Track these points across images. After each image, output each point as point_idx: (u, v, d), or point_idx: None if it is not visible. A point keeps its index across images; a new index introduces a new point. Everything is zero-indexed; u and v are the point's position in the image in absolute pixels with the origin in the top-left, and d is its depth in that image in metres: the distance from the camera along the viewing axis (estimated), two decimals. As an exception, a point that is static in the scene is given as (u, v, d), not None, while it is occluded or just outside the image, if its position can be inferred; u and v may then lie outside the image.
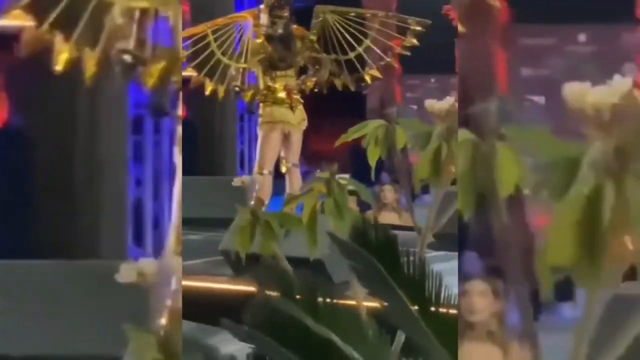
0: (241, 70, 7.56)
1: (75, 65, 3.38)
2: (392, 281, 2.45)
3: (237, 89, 7.61)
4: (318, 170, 10.06)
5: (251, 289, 5.48)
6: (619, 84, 1.45)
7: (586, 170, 1.41)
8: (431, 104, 3.28)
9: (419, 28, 7.83)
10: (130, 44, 3.38)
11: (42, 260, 4.71)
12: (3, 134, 6.40)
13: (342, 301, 2.53)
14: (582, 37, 7.86)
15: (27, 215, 6.20)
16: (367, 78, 8.07)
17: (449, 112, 3.23)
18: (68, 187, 6.53)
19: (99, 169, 6.62)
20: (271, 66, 7.69)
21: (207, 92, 7.57)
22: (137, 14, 3.46)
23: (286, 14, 7.80)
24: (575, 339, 1.54)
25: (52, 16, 3.21)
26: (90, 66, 3.40)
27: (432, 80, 14.97)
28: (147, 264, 3.32)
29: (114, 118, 6.86)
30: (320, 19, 7.81)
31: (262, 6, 7.93)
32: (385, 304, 2.44)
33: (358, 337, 2.38)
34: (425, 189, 10.91)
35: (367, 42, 7.94)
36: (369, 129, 3.42)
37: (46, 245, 6.19)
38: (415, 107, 14.60)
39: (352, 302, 2.70)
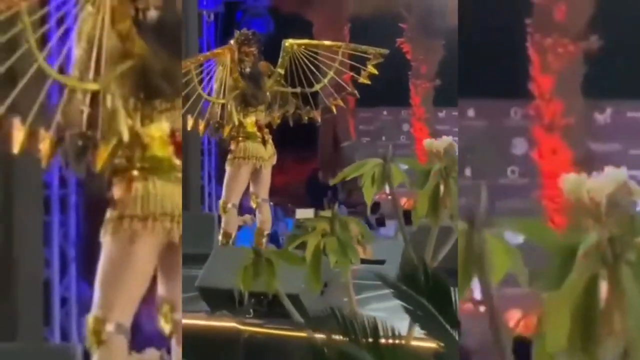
0: (220, 106, 7.68)
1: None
2: (445, 322, 2.57)
3: (216, 125, 7.73)
4: (271, 203, 10.01)
5: (230, 324, 5.72)
6: (614, 175, 1.49)
7: (581, 260, 1.44)
8: (429, 142, 3.42)
9: (378, 57, 7.97)
10: (82, 126, 3.46)
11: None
12: None
13: (401, 342, 2.58)
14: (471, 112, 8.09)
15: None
16: (333, 108, 8.21)
17: (446, 150, 3.37)
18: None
19: (15, 251, 6.73)
20: (244, 102, 7.77)
21: (189, 128, 7.60)
22: (87, 97, 3.53)
23: (255, 50, 7.89)
24: None
25: (9, 100, 3.19)
26: (45, 148, 3.49)
27: (385, 112, 15.15)
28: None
29: (29, 198, 6.92)
30: (289, 53, 7.90)
31: (231, 42, 8.00)
32: (441, 344, 2.54)
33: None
34: (381, 222, 11.15)
35: (331, 73, 8.05)
36: (366, 168, 3.45)
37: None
38: (367, 139, 14.83)
39: (411, 343, 2.78)
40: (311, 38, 14.57)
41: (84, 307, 7.43)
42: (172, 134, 3.63)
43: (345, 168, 3.60)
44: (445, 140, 3.46)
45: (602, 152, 8.31)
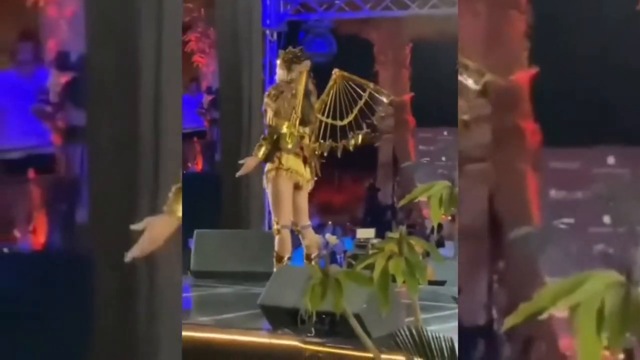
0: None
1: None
2: None
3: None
4: (330, 223, 10.24)
5: (292, 343, 5.75)
6: None
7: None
8: None
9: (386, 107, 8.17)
10: None
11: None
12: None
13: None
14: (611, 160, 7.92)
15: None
16: (355, 141, 8.21)
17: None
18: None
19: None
20: (302, 122, 7.82)
21: (260, 156, 7.75)
22: None
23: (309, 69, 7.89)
24: None
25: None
26: None
27: (445, 132, 14.94)
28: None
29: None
30: (336, 82, 7.99)
31: (278, 60, 8.11)
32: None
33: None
34: (440, 243, 11.17)
35: (355, 111, 8.12)
36: (434, 191, 3.54)
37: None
38: (427, 159, 14.78)
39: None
40: (372, 58, 14.70)
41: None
42: None
43: (414, 189, 3.67)
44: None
45: None
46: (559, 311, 1.63)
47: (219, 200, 11.18)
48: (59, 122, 6.01)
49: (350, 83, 8.15)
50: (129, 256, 3.50)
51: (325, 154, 8.19)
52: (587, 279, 1.61)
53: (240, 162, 7.87)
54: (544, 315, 1.66)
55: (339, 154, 8.17)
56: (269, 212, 12.88)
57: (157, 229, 3.51)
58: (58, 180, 5.97)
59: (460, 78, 4.51)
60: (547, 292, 1.68)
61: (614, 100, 4.96)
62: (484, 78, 4.61)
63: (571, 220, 6.08)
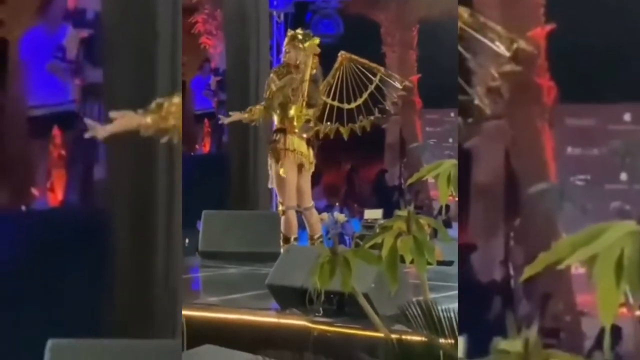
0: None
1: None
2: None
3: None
4: (337, 204, 10.31)
5: (300, 323, 5.78)
6: None
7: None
8: None
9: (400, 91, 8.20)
10: None
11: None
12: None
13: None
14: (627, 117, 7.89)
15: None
16: (365, 125, 8.21)
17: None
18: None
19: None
20: (307, 104, 7.84)
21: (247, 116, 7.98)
22: None
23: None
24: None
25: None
26: None
27: (452, 114, 14.89)
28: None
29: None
30: (341, 64, 7.99)
31: (285, 41, 8.20)
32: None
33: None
34: (448, 223, 11.14)
35: (365, 95, 8.13)
36: (442, 169, 3.49)
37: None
38: (434, 141, 14.76)
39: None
40: (379, 40, 14.66)
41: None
42: None
43: (421, 168, 3.62)
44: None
45: None
46: (577, 263, 1.62)
47: (227, 182, 11.18)
48: (77, 80, 6.04)
49: (358, 66, 8.15)
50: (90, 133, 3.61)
51: (332, 137, 8.22)
52: (605, 230, 1.60)
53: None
54: (562, 266, 1.65)
55: (345, 137, 8.19)
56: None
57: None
58: (77, 138, 6.02)
59: (489, 44, 4.50)
60: (565, 243, 1.66)
61: (631, 56, 4.93)
62: (515, 44, 4.61)
63: (587, 177, 6.09)
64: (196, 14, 14.43)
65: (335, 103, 8.18)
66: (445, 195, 3.51)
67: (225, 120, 8.18)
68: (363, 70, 8.17)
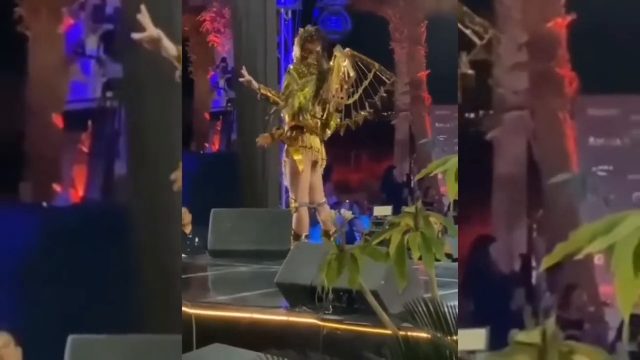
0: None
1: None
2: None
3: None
4: (347, 201, 10.28)
5: (309, 320, 5.76)
6: None
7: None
8: None
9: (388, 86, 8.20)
10: None
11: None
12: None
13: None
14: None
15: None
16: (358, 120, 8.17)
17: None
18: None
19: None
20: (320, 100, 7.83)
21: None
22: None
23: (318, 47, 7.98)
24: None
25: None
26: None
27: (462, 110, 15.04)
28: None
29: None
30: (343, 62, 7.98)
31: (296, 39, 8.18)
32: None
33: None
34: (457, 220, 11.08)
35: (360, 91, 8.10)
36: (450, 165, 3.47)
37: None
38: (444, 137, 14.73)
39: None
40: (387, 36, 14.63)
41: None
42: None
43: (430, 164, 3.61)
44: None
45: None
46: (596, 252, 1.59)
47: (236, 180, 11.16)
48: (98, 76, 6.05)
49: (358, 62, 8.14)
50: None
51: (342, 133, 8.21)
52: (624, 219, 1.56)
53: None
54: (580, 255, 1.61)
55: (342, 133, 8.19)
56: (286, 191, 12.97)
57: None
58: (99, 133, 6.02)
59: (466, 32, 4.50)
60: (584, 232, 1.62)
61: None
62: (488, 34, 4.59)
63: (610, 167, 6.06)
64: (204, 12, 14.41)
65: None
66: (453, 190, 3.47)
67: (245, 79, 8.15)
68: (360, 65, 8.16)
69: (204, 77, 14.93)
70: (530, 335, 1.69)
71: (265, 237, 8.62)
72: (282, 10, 13.03)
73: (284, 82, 8.11)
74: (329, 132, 8.14)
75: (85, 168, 6.08)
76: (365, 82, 8.15)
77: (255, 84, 8.09)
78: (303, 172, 7.85)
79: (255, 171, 10.70)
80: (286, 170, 8.04)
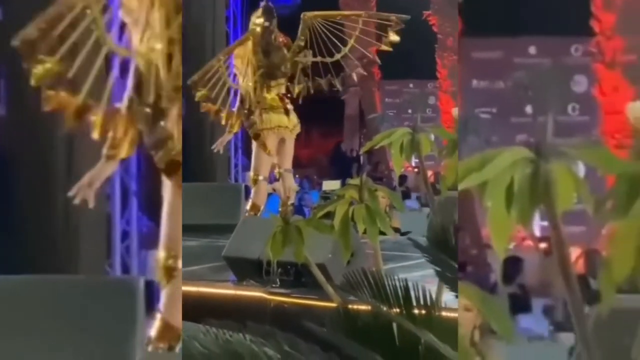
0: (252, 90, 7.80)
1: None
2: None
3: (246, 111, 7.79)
4: (296, 176, 10.14)
5: (257, 294, 5.77)
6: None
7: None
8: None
9: (400, 24, 7.93)
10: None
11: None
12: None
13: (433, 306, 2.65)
14: (532, 50, 7.93)
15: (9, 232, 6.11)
16: (354, 76, 8.13)
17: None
18: (49, 205, 6.67)
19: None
20: (267, 76, 7.78)
21: (223, 122, 7.72)
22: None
23: (267, 24, 7.81)
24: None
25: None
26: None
27: (411, 85, 15.18)
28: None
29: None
30: (307, 25, 7.86)
31: (252, 18, 8.08)
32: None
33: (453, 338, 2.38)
34: (406, 194, 11.11)
35: (351, 42, 8.00)
36: (395, 137, 3.45)
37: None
38: (393, 112, 14.79)
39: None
40: (337, 9, 14.57)
41: (145, 241, 7.57)
42: None
43: (375, 136, 3.59)
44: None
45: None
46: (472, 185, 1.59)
47: (184, 155, 11.11)
48: None
49: (329, 20, 8.00)
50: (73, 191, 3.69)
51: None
52: (496, 156, 1.55)
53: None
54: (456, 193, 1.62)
55: (301, 95, 8.10)
56: (235, 165, 12.92)
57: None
58: None
59: None
60: (460, 168, 1.63)
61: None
62: None
63: (493, 110, 6.11)
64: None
65: (319, 59, 8.02)
66: (398, 163, 3.48)
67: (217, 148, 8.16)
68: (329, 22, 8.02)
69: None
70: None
71: (216, 212, 8.61)
72: (231, -16, 12.95)
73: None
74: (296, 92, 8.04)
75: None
76: (355, 33, 8.01)
77: (228, 137, 8.13)
78: (269, 152, 7.86)
79: (204, 146, 10.65)
80: (254, 147, 8.05)
